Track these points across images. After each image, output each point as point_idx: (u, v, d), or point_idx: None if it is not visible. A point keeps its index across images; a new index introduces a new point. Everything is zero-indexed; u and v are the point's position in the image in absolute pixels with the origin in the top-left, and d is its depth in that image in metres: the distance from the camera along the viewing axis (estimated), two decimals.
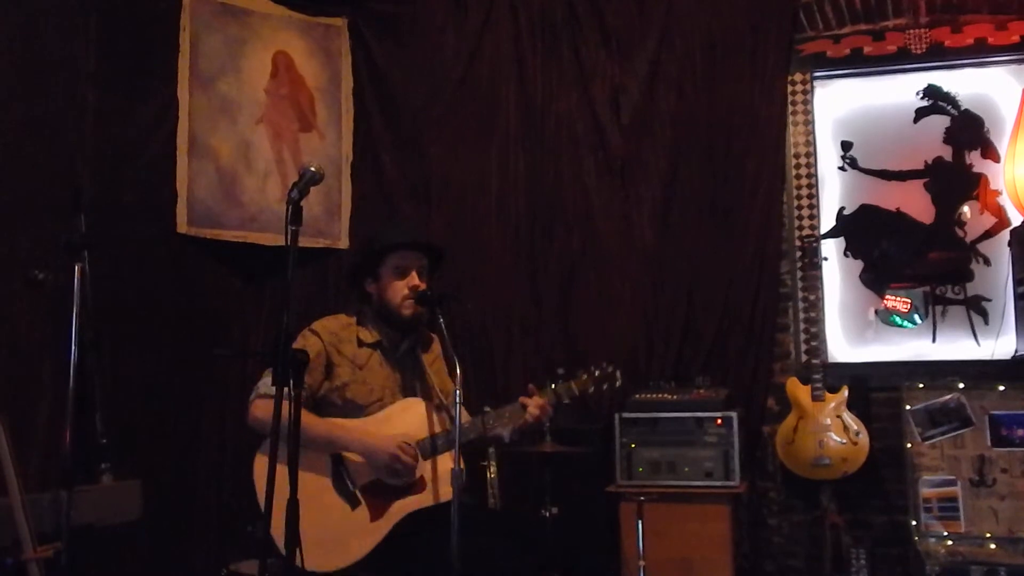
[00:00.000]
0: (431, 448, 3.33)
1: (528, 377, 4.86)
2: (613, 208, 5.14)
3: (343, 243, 5.32)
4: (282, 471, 3.06)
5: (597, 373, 3.56)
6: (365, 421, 3.36)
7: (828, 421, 4.55)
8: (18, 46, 4.15)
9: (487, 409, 3.44)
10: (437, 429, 3.37)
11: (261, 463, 3.19)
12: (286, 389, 3.06)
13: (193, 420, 4.89)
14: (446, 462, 3.29)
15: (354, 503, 3.26)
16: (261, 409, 3.27)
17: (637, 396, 4.65)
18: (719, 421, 4.45)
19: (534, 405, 3.40)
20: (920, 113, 4.96)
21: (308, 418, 3.22)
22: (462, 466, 3.05)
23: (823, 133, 5.09)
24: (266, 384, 3.23)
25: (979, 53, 4.85)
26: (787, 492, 4.88)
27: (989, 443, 4.36)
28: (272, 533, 2.98)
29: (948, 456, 4.39)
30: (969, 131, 4.88)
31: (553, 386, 3.49)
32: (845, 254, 5.01)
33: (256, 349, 5.11)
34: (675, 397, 4.61)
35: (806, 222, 5.00)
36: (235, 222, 5.00)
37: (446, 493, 3.26)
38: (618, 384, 3.60)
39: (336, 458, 3.29)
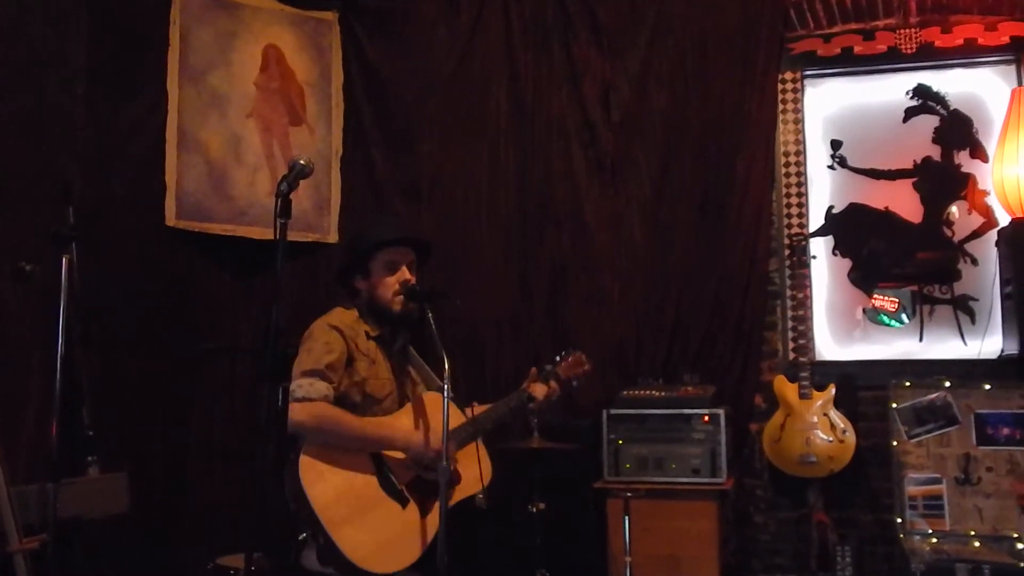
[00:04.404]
0: (463, 439, 3.41)
1: (518, 375, 4.89)
2: (603, 206, 5.15)
3: (332, 237, 5.32)
4: (328, 473, 3.12)
5: (570, 359, 3.84)
6: (398, 417, 3.39)
7: (815, 419, 4.57)
8: (8, 39, 4.14)
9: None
10: (461, 420, 3.43)
11: (307, 468, 3.14)
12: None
13: (181, 413, 4.88)
14: (470, 455, 3.41)
15: (403, 501, 3.26)
16: (297, 412, 3.17)
17: (625, 393, 4.67)
18: (706, 418, 4.47)
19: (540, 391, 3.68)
20: (909, 113, 4.98)
21: (351, 418, 3.24)
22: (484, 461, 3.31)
23: (813, 132, 5.11)
24: (299, 387, 3.18)
25: (969, 53, 4.88)
26: (774, 489, 4.90)
27: (975, 442, 4.38)
28: (337, 542, 3.05)
29: (934, 454, 4.41)
30: (958, 131, 4.90)
31: (547, 368, 3.76)
32: (834, 253, 5.03)
33: (245, 342, 5.10)
34: (663, 394, 4.62)
35: (795, 220, 5.02)
36: (224, 215, 4.99)
37: (477, 485, 3.39)
38: (586, 368, 3.89)
39: (376, 457, 3.28)
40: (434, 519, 3.25)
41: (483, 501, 3.47)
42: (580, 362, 3.86)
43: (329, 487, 3.11)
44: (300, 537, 3.15)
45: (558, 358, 3.86)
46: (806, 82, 5.12)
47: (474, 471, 3.34)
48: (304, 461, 3.12)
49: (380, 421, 3.35)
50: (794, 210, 5.03)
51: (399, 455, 3.31)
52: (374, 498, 3.21)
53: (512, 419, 3.74)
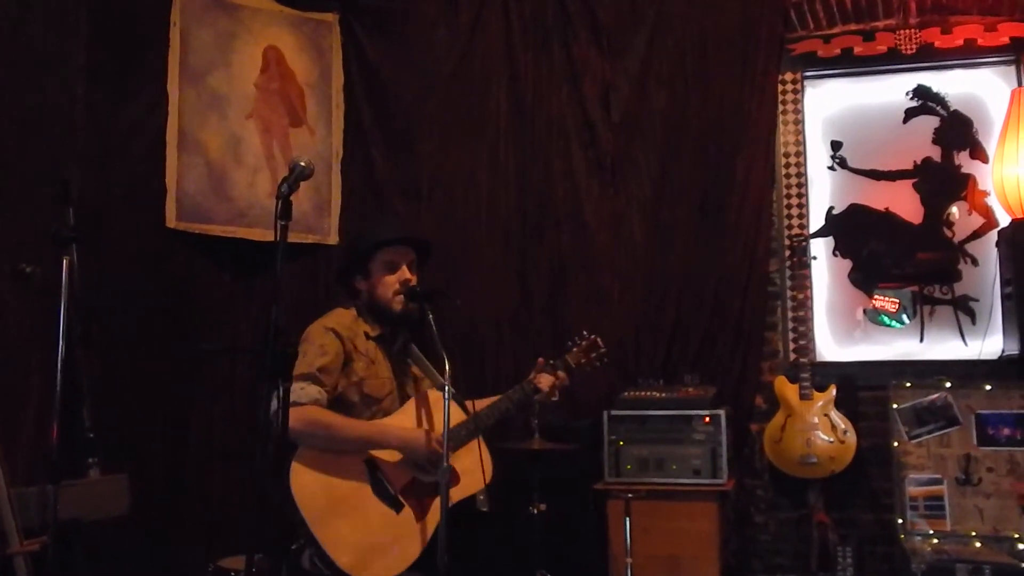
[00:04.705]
0: (463, 437, 3.38)
1: (518, 374, 4.89)
2: (603, 206, 5.15)
3: (332, 239, 5.31)
4: (319, 479, 3.09)
5: (584, 344, 3.76)
6: (396, 418, 3.38)
7: (816, 420, 4.57)
8: (8, 39, 4.14)
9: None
10: (462, 417, 3.39)
11: (298, 475, 3.14)
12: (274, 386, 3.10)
13: (181, 414, 4.88)
14: (471, 453, 3.36)
15: (397, 506, 3.26)
16: (292, 418, 3.20)
17: (625, 394, 4.67)
18: (707, 419, 4.46)
19: (545, 382, 3.59)
20: (909, 113, 4.98)
21: (341, 421, 3.24)
22: (486, 459, 3.27)
23: (813, 132, 5.11)
24: (294, 392, 3.18)
25: (969, 54, 4.88)
26: (774, 490, 4.90)
27: (975, 442, 4.38)
28: (326, 549, 3.06)
29: (934, 455, 4.41)
30: (958, 132, 4.90)
31: (552, 361, 3.67)
32: (834, 253, 5.03)
33: (245, 344, 5.10)
34: (663, 395, 4.62)
35: (795, 221, 5.02)
36: (224, 217, 4.98)
37: (476, 484, 3.36)
38: (603, 351, 3.80)
39: (370, 463, 3.28)
40: (431, 522, 3.25)
41: (484, 503, 3.47)
42: (594, 346, 3.78)
43: (319, 494, 3.12)
44: (293, 546, 3.15)
45: (570, 343, 3.80)
46: (806, 83, 5.12)
47: (474, 470, 3.33)
48: (295, 468, 3.11)
49: (374, 422, 3.34)
50: (794, 211, 5.03)
51: (393, 459, 3.30)
52: (366, 504, 3.21)
53: (517, 412, 3.71)
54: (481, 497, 3.48)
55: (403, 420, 3.39)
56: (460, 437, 3.36)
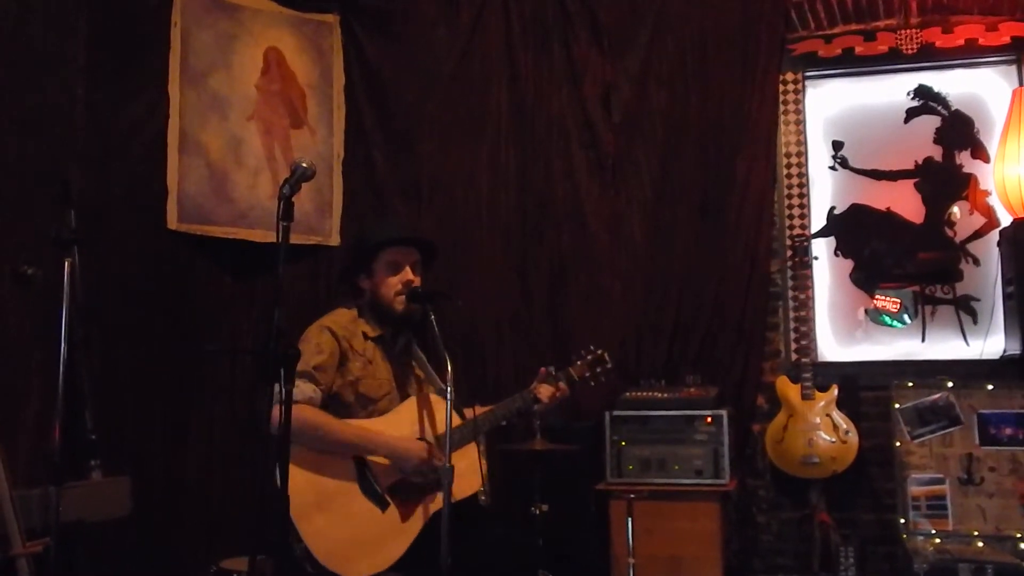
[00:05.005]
0: (458, 441, 3.35)
1: (518, 375, 4.89)
2: (604, 206, 5.14)
3: (334, 240, 5.31)
4: (302, 475, 3.08)
5: (589, 358, 3.77)
6: (386, 420, 3.37)
7: (818, 420, 4.57)
8: (8, 39, 4.13)
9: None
10: (456, 422, 3.36)
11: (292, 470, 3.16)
12: (277, 386, 3.09)
13: (183, 416, 4.87)
14: (465, 457, 3.35)
15: (383, 505, 3.25)
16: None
17: (627, 394, 4.66)
18: (709, 419, 4.46)
19: (545, 393, 3.59)
20: (911, 113, 4.98)
21: (332, 422, 3.24)
22: (483, 463, 3.28)
23: (814, 133, 5.11)
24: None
25: (970, 54, 4.87)
26: (776, 490, 4.90)
27: (977, 442, 4.37)
28: (308, 545, 3.06)
29: (937, 454, 4.41)
30: (959, 131, 4.90)
31: (555, 372, 3.67)
32: (835, 253, 5.03)
33: (246, 345, 5.10)
34: (665, 395, 4.62)
35: (797, 221, 5.02)
36: (226, 218, 4.98)
37: (469, 487, 3.33)
38: (609, 366, 3.81)
39: (359, 460, 3.28)
40: (416, 523, 3.26)
41: (486, 501, 3.47)
42: (599, 360, 3.79)
43: (306, 489, 3.11)
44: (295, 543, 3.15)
45: (574, 356, 3.82)
46: (807, 83, 5.12)
47: (468, 474, 3.31)
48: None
49: (365, 427, 3.33)
50: (796, 211, 5.03)
51: (383, 460, 3.30)
52: (352, 501, 3.21)
53: (516, 420, 3.72)
54: (483, 498, 3.48)
55: (398, 421, 3.38)
56: (455, 441, 3.34)
